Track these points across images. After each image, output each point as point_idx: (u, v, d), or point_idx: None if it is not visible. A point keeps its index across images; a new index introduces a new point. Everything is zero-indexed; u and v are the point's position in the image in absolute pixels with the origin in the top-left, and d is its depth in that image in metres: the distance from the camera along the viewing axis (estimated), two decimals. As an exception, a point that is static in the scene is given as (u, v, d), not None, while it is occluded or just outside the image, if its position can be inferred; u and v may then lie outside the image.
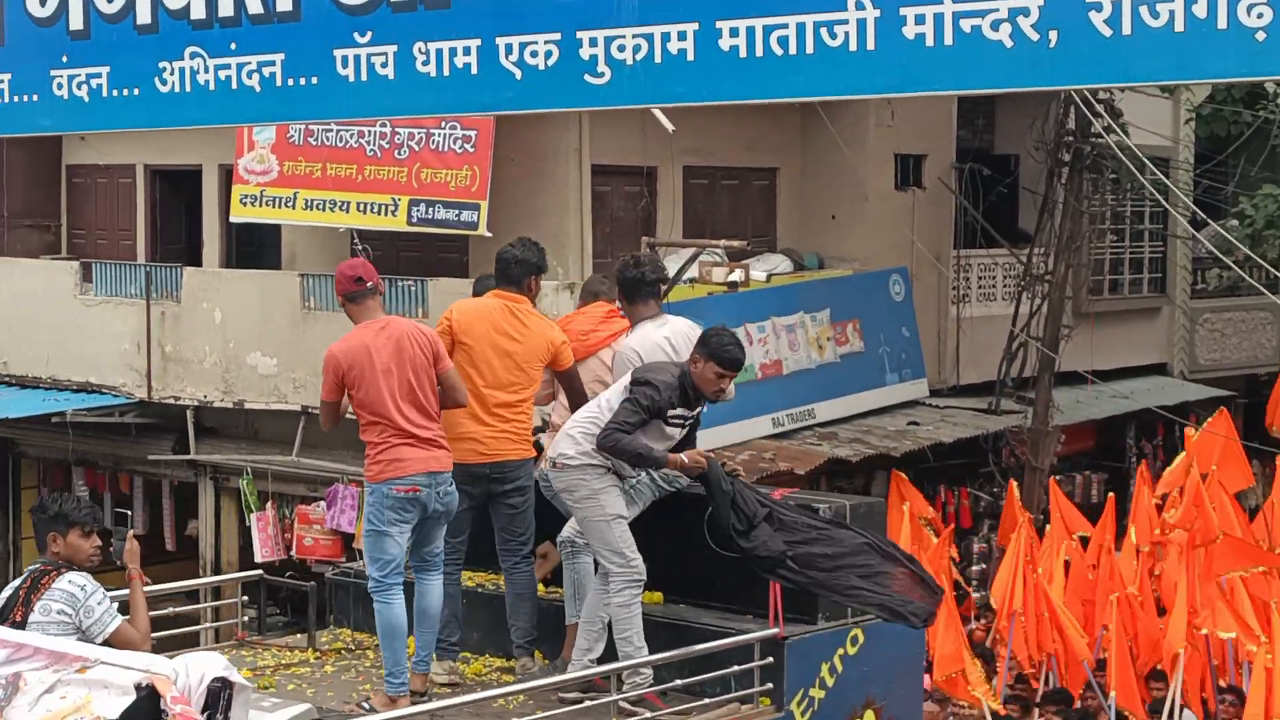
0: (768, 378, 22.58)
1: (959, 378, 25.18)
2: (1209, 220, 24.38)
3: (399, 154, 21.56)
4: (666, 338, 9.45)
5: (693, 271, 20.76)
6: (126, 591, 8.23)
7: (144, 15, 8.27)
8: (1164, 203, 25.04)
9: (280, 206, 22.45)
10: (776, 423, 22.50)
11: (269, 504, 22.87)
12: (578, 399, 9.47)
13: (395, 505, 9.05)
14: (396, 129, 21.09)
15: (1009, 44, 6.23)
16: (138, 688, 6.22)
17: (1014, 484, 20.19)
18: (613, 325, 9.69)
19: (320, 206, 22.25)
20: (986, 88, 6.77)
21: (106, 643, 7.32)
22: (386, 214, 21.84)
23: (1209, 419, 19.84)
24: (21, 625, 7.44)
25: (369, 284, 9.25)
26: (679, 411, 8.69)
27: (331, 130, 21.24)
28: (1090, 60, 6.27)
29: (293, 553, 22.27)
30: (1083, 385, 25.62)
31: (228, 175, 22.78)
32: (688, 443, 9.04)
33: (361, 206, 21.99)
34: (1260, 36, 5.69)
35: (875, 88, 6.71)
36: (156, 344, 23.05)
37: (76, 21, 8.42)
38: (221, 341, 22.84)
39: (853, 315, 23.66)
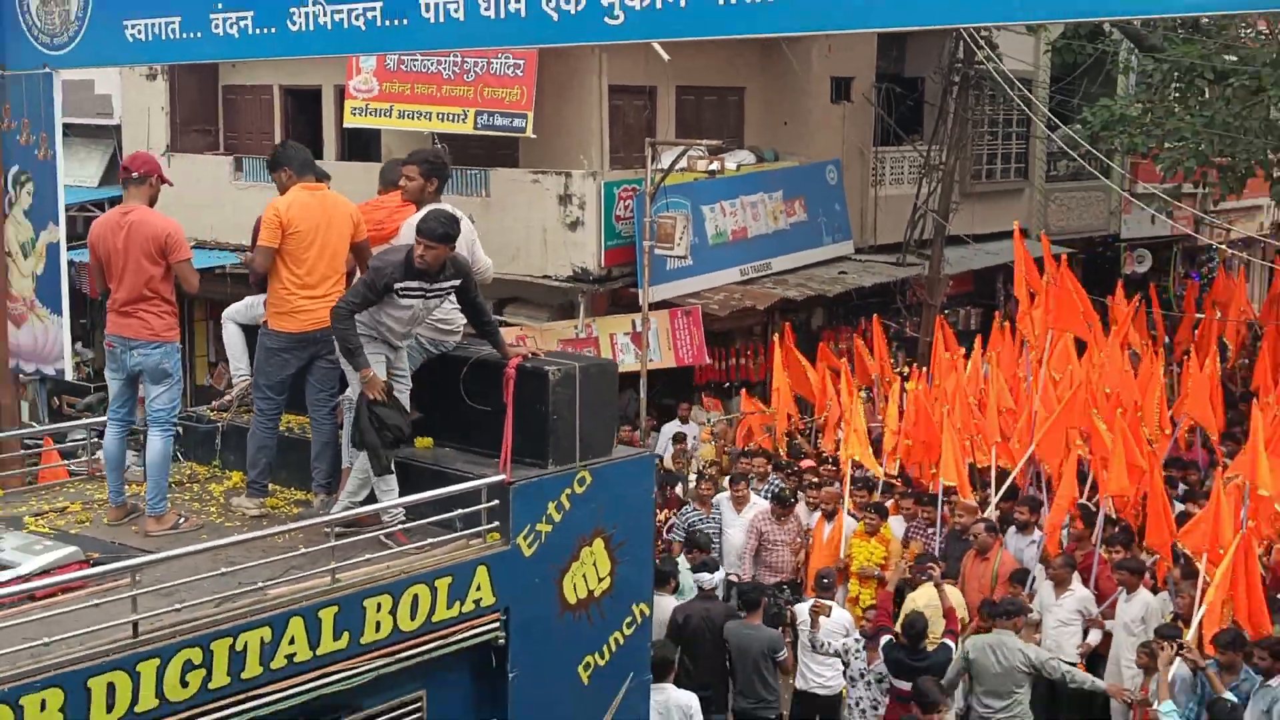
0: (737, 240, 22.89)
1: (876, 240, 25.55)
2: (1060, 124, 24.43)
3: (467, 77, 21.55)
4: None
5: (683, 163, 20.62)
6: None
7: None
8: (1028, 111, 25.14)
9: (380, 116, 22.44)
10: (743, 272, 22.84)
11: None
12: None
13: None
14: (465, 58, 21.07)
15: None
16: None
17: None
18: (402, 213, 8.42)
19: (409, 115, 22.25)
20: (902, 26, 6.91)
21: None
22: (458, 121, 21.84)
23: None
24: None
25: (135, 173, 8.12)
26: (410, 284, 7.66)
27: (417, 59, 21.12)
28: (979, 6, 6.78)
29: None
30: (965, 245, 25.99)
31: (340, 93, 22.79)
32: (469, 307, 8.14)
33: (440, 116, 22.00)
34: None
35: (814, 26, 7.07)
36: (290, 217, 22.75)
37: None
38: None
39: (799, 194, 23.93)
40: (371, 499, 7.88)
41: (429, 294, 7.81)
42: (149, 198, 8.11)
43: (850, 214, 25.01)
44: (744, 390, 21.44)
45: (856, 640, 11.58)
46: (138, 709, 6.32)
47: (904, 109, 26.66)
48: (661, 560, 12.16)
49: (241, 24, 8.62)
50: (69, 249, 10.74)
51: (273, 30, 8.48)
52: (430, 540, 7.66)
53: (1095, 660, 12.58)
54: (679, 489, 15.92)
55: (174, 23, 8.87)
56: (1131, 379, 16.79)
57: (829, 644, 11.76)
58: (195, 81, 25.12)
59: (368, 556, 7.38)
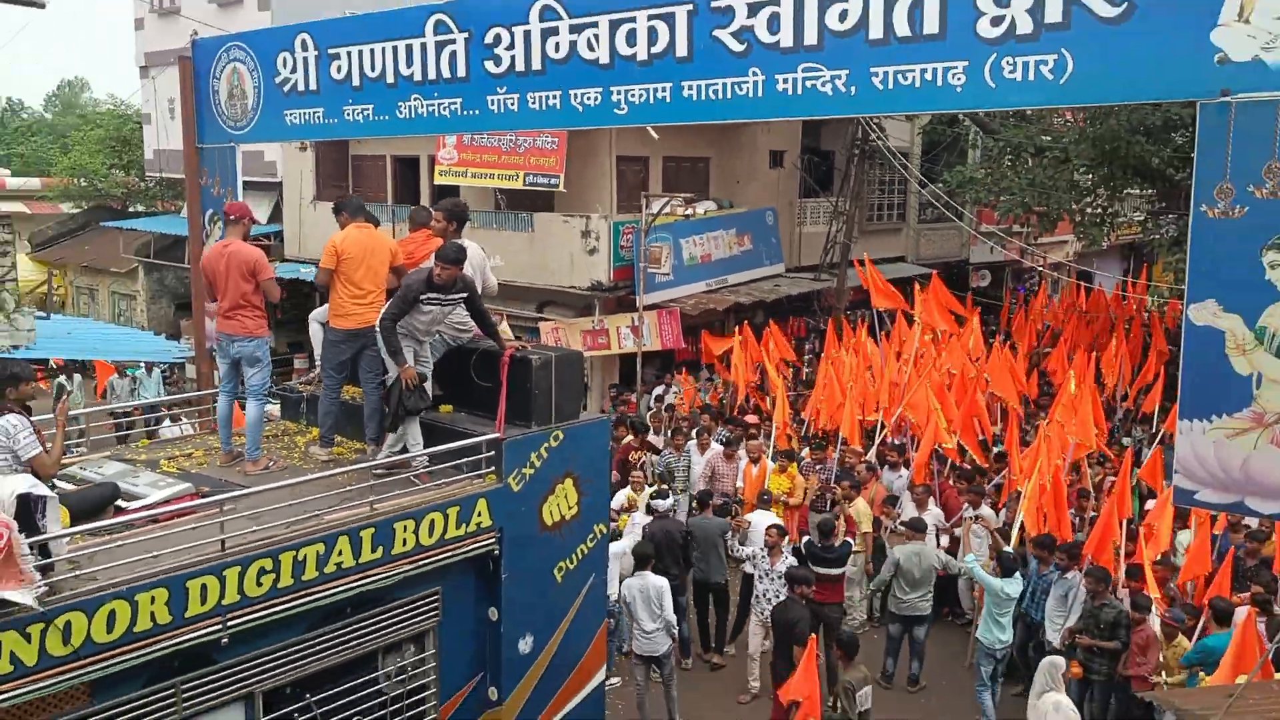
0: (704, 262, 22.41)
1: (800, 262, 24.93)
2: (928, 182, 24.30)
3: (519, 148, 21.35)
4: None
5: (667, 210, 20.75)
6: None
7: (389, 77, 8.26)
8: (905, 174, 24.92)
9: (459, 176, 22.20)
10: (708, 285, 22.38)
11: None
12: None
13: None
14: (517, 136, 20.97)
15: (830, 93, 6.49)
16: None
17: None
18: (429, 246, 7.98)
19: (479, 175, 22.08)
20: (824, 114, 6.90)
21: (29, 463, 6.04)
22: (512, 179, 21.66)
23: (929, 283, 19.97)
24: None
25: (232, 216, 7.97)
26: (431, 295, 7.35)
27: (484, 137, 21.02)
28: (872, 101, 6.52)
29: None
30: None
31: (432, 160, 22.45)
32: (475, 313, 7.72)
33: (499, 175, 21.84)
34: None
35: (756, 114, 6.88)
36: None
37: (356, 82, 8.44)
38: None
39: (747, 231, 23.41)
40: (405, 451, 7.59)
41: (444, 302, 7.55)
42: (243, 234, 7.93)
43: (782, 245, 24.46)
44: (685, 370, 21.12)
45: (762, 550, 11.16)
46: (224, 602, 6.00)
47: (820, 172, 26.11)
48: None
49: (365, 113, 8.50)
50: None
51: (386, 117, 8.38)
52: (445, 480, 7.34)
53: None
54: (651, 437, 15.41)
55: (319, 112, 8.80)
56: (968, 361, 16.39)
57: (741, 551, 11.64)
58: (332, 152, 24.89)
59: (398, 492, 7.06)
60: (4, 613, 5.16)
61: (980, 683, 10.62)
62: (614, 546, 10.95)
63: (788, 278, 24.15)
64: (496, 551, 7.34)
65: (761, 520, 11.64)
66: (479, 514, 7.18)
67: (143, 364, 21.27)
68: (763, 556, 11.05)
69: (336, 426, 8.08)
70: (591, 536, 8.00)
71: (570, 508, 7.78)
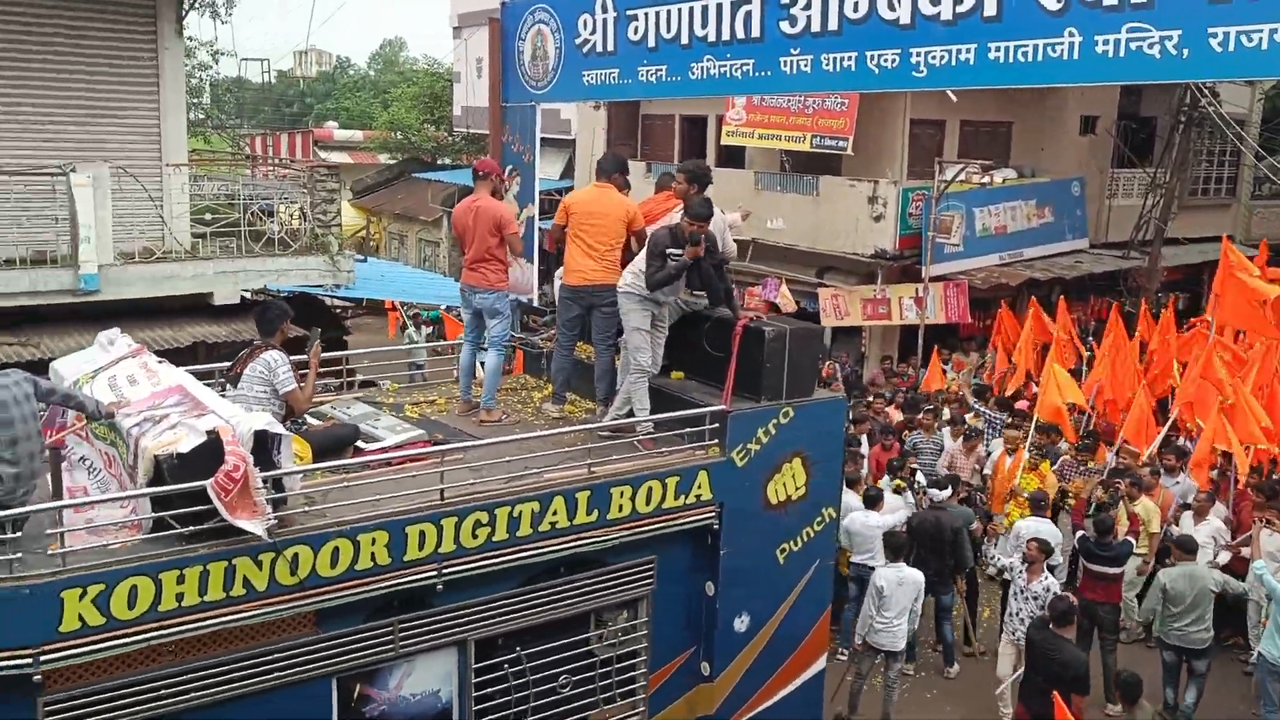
0: (998, 234, 21.35)
1: (1107, 238, 23.17)
2: (1265, 154, 21.97)
3: (807, 110, 20.95)
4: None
5: (961, 177, 19.91)
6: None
7: (684, 38, 8.23)
8: (1240, 144, 22.56)
9: (746, 137, 22.08)
10: (1001, 258, 21.26)
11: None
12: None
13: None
14: (806, 97, 20.56)
15: (1158, 55, 5.80)
16: (208, 433, 5.39)
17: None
18: (669, 205, 7.96)
19: (766, 137, 21.84)
20: (1148, 79, 6.22)
21: (285, 397, 6.53)
22: (799, 141, 21.30)
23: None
24: (239, 375, 6.62)
25: (481, 173, 8.01)
26: (675, 251, 7.20)
27: (773, 97, 20.58)
28: (1208, 65, 5.80)
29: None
30: (1179, 245, 23.22)
31: (719, 120, 22.40)
32: (705, 274, 7.55)
33: (786, 137, 21.53)
34: None
35: (1077, 78, 6.33)
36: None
37: (652, 42, 8.41)
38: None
39: (1049, 202, 21.96)
40: (631, 414, 7.49)
41: (680, 254, 7.35)
42: (491, 189, 8.00)
43: (1088, 218, 22.74)
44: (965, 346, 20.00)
45: (1021, 563, 10.05)
46: (441, 550, 6.15)
47: (1137, 140, 23.99)
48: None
49: (658, 74, 8.46)
50: (540, 219, 11.02)
51: (678, 78, 8.32)
52: (668, 449, 7.18)
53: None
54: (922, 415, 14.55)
55: (614, 72, 8.85)
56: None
57: (998, 558, 10.68)
58: (624, 111, 25.26)
59: (616, 457, 6.99)
60: (239, 541, 5.49)
61: (1269, 705, 9.39)
62: (871, 518, 10.60)
63: (1091, 254, 22.46)
64: (716, 526, 7.15)
65: (1026, 528, 10.67)
66: (699, 486, 7.01)
67: (410, 318, 22.64)
68: (1020, 571, 10.00)
69: (570, 384, 8.09)
70: (819, 520, 7.67)
71: (797, 488, 7.48)
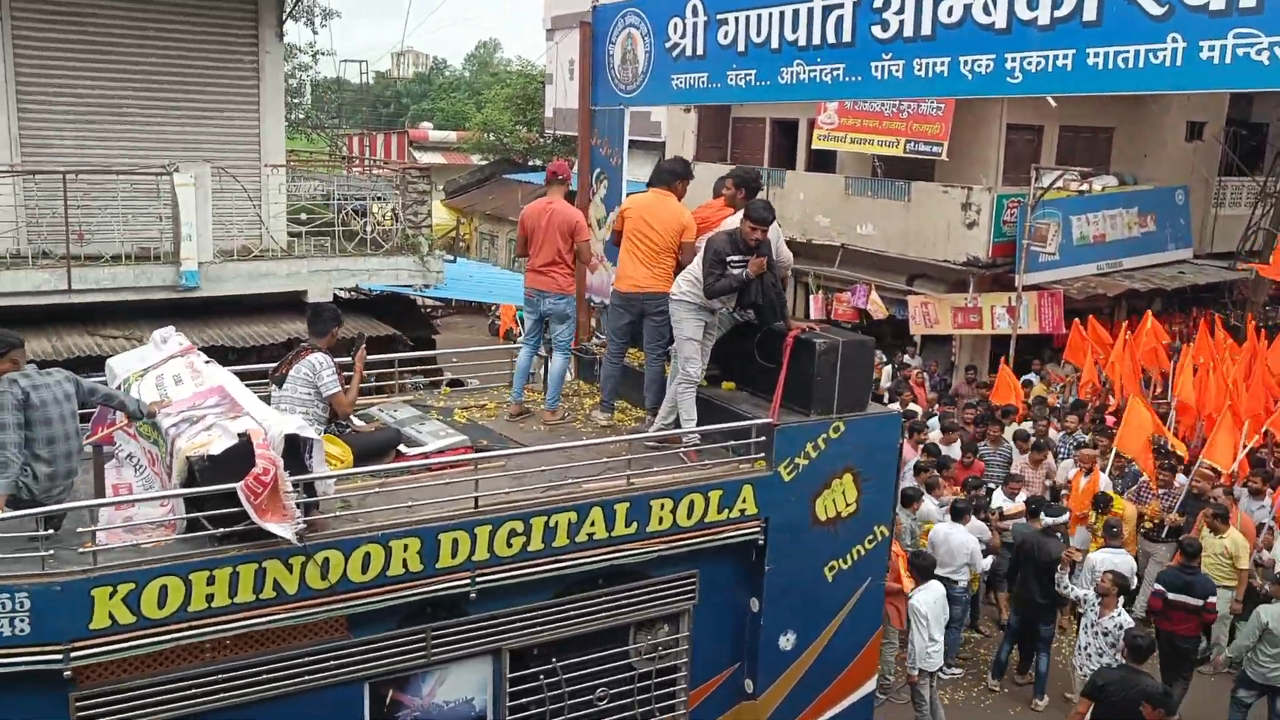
0: (1096, 243, 20.66)
1: (1212, 248, 22.30)
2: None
3: (901, 114, 20.53)
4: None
5: (1059, 184, 19.30)
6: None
7: (774, 42, 8.09)
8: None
9: (837, 141, 21.77)
10: (1099, 268, 20.57)
11: (819, 291, 22.70)
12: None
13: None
14: (901, 102, 20.18)
15: (1267, 62, 5.51)
16: (239, 436, 5.35)
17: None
18: (724, 213, 7.67)
19: (858, 141, 21.50)
20: (1256, 87, 5.91)
21: (329, 399, 6.55)
22: (892, 146, 20.88)
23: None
24: (285, 377, 6.64)
25: (558, 176, 7.96)
26: (735, 258, 7.06)
27: (864, 103, 20.33)
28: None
29: (833, 317, 21.17)
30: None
31: (811, 124, 22.10)
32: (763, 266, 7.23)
33: (879, 142, 21.13)
34: None
35: (1180, 85, 6.06)
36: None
37: (741, 47, 8.25)
38: (802, 208, 22.63)
39: (1151, 210, 21.18)
40: (678, 424, 7.31)
41: (744, 261, 7.20)
42: (564, 193, 8.00)
43: (1192, 228, 21.85)
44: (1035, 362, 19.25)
45: (1096, 596, 9.53)
46: (474, 558, 6.05)
47: (1247, 147, 22.97)
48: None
49: (748, 78, 8.30)
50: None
51: (767, 83, 8.15)
52: (714, 461, 6.98)
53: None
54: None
55: (704, 76, 8.70)
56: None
57: (1072, 589, 10.14)
58: (714, 114, 25.09)
59: (658, 468, 6.80)
60: (270, 543, 5.47)
61: None
62: (956, 533, 10.37)
63: (1194, 264, 21.59)
64: (761, 541, 6.92)
65: (1100, 560, 10.21)
66: (743, 500, 6.79)
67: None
68: (1093, 604, 9.50)
69: (619, 392, 8.00)
70: (870, 538, 7.37)
71: (848, 505, 7.19)
